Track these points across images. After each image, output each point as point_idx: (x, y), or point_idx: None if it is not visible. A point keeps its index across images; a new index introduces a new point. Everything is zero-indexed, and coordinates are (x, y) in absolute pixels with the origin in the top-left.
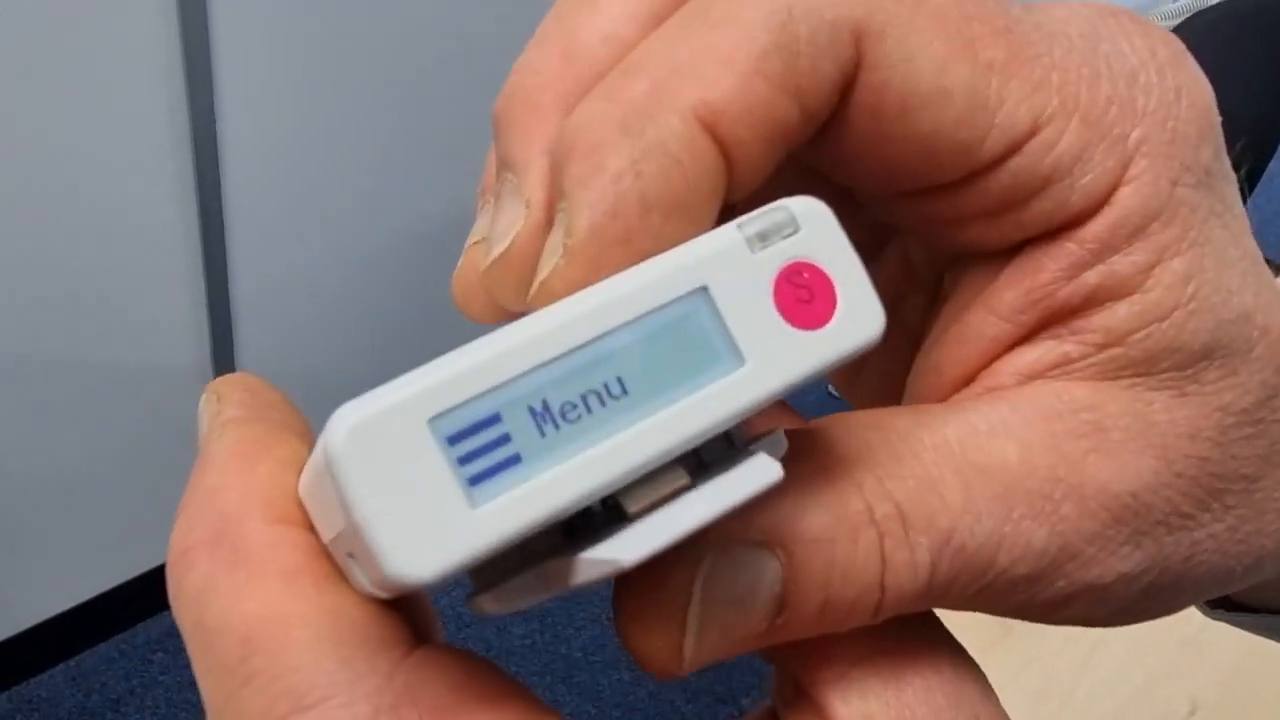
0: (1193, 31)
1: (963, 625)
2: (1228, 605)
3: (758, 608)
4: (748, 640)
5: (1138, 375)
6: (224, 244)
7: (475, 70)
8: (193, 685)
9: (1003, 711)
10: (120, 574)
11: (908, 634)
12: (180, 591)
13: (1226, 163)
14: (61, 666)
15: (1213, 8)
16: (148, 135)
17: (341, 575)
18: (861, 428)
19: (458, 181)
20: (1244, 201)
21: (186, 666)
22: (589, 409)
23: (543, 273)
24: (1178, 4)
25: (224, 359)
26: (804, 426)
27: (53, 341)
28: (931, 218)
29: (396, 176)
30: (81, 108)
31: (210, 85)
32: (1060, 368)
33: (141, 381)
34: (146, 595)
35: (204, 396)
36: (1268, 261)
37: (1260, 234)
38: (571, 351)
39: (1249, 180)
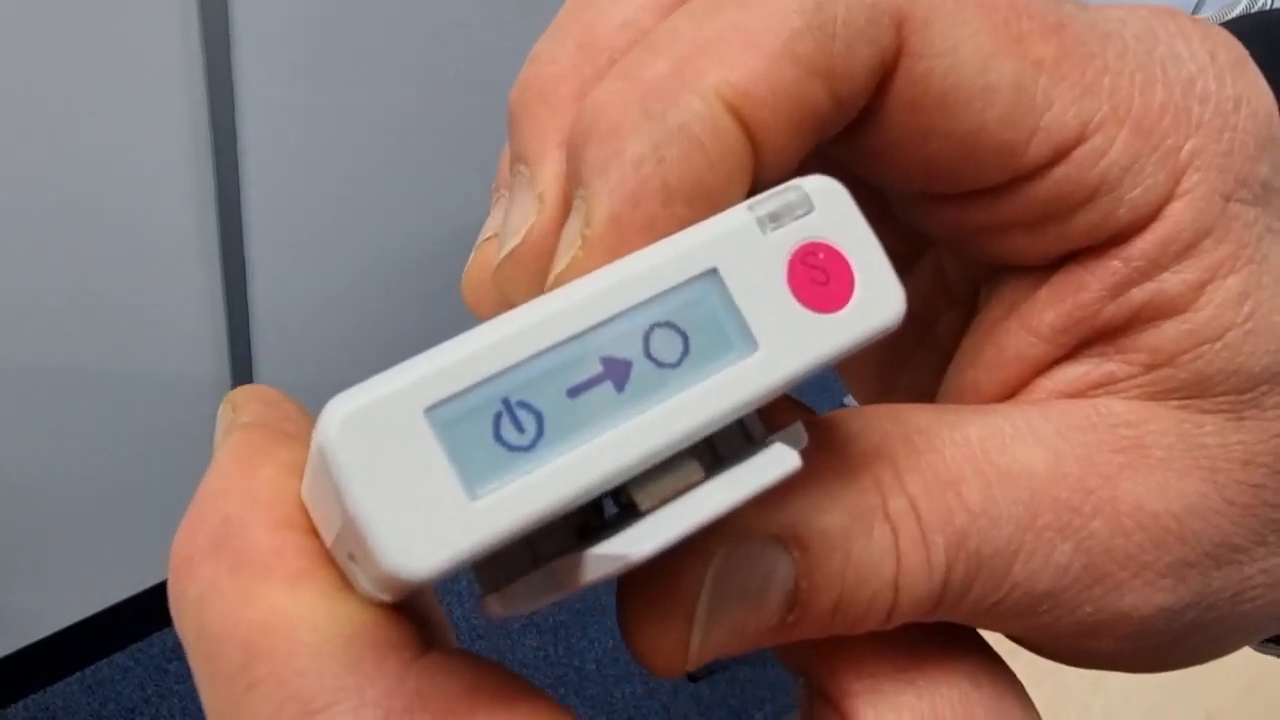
0: None
1: None
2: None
3: (769, 605)
4: (756, 638)
5: (1189, 397)
6: (243, 254)
7: (496, 81)
8: None
9: None
10: (136, 583)
11: (942, 643)
12: (182, 598)
13: None
14: (77, 675)
15: (1233, 21)
16: (168, 146)
17: (346, 581)
18: (880, 420)
19: (478, 192)
20: None
21: None
22: (593, 398)
23: (559, 264)
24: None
25: (242, 369)
26: (821, 418)
27: (71, 351)
28: (969, 226)
29: (415, 187)
30: (102, 117)
31: (231, 96)
32: (1104, 386)
33: (159, 391)
34: (162, 605)
35: (221, 406)
36: None
37: None
38: (575, 338)
39: None
